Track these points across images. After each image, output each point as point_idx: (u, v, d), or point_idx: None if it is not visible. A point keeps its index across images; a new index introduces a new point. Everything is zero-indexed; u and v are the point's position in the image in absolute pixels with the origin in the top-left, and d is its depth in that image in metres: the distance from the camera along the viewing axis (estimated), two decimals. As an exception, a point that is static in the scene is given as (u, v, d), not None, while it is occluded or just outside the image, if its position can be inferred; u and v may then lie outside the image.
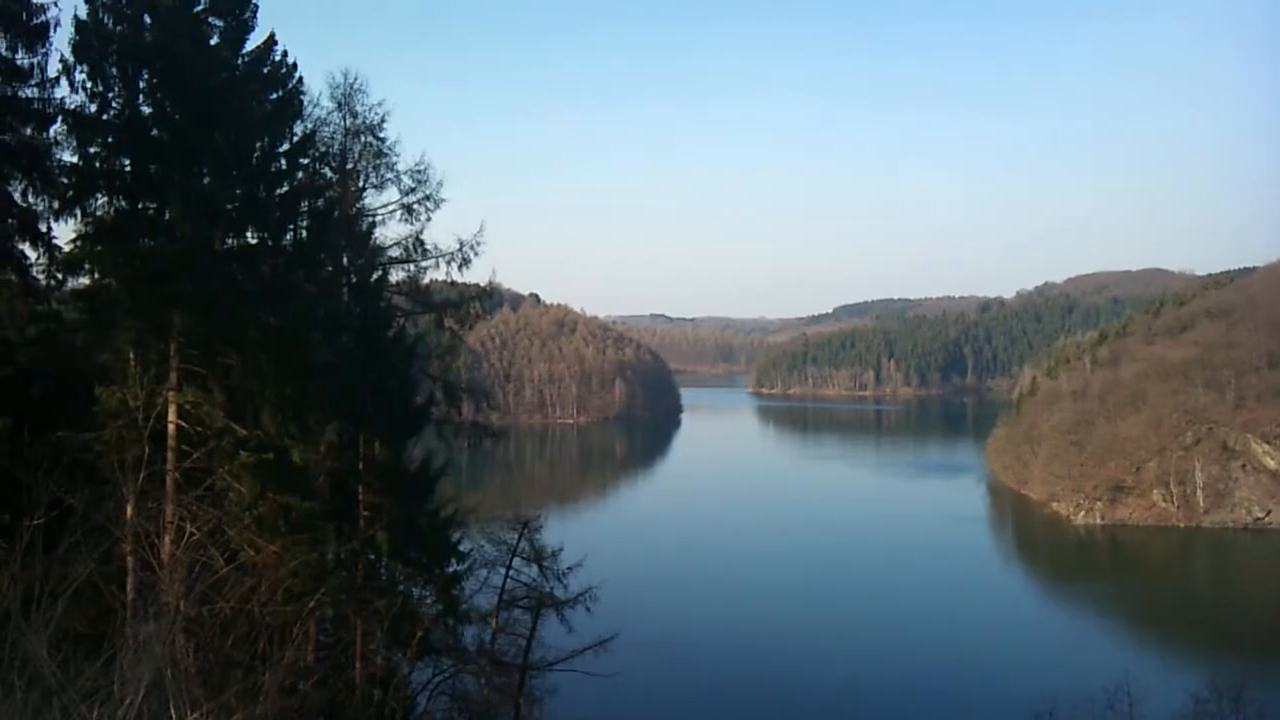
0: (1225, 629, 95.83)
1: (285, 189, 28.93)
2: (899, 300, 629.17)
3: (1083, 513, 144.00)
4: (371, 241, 32.95)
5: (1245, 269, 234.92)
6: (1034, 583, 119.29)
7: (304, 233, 30.16)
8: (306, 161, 30.13)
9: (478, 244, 33.52)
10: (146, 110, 25.70)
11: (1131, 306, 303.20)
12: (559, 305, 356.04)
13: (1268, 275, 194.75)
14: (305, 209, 30.08)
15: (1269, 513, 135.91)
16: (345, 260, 32.01)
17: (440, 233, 34.24)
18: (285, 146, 28.75)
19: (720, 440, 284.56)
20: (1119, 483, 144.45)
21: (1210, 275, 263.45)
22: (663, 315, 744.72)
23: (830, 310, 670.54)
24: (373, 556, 31.16)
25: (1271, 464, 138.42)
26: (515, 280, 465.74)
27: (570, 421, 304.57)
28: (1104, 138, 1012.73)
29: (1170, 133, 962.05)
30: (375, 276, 32.87)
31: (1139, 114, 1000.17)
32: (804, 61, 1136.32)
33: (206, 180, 25.92)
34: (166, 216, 25.72)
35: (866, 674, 78.01)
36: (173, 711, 12.24)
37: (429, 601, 32.92)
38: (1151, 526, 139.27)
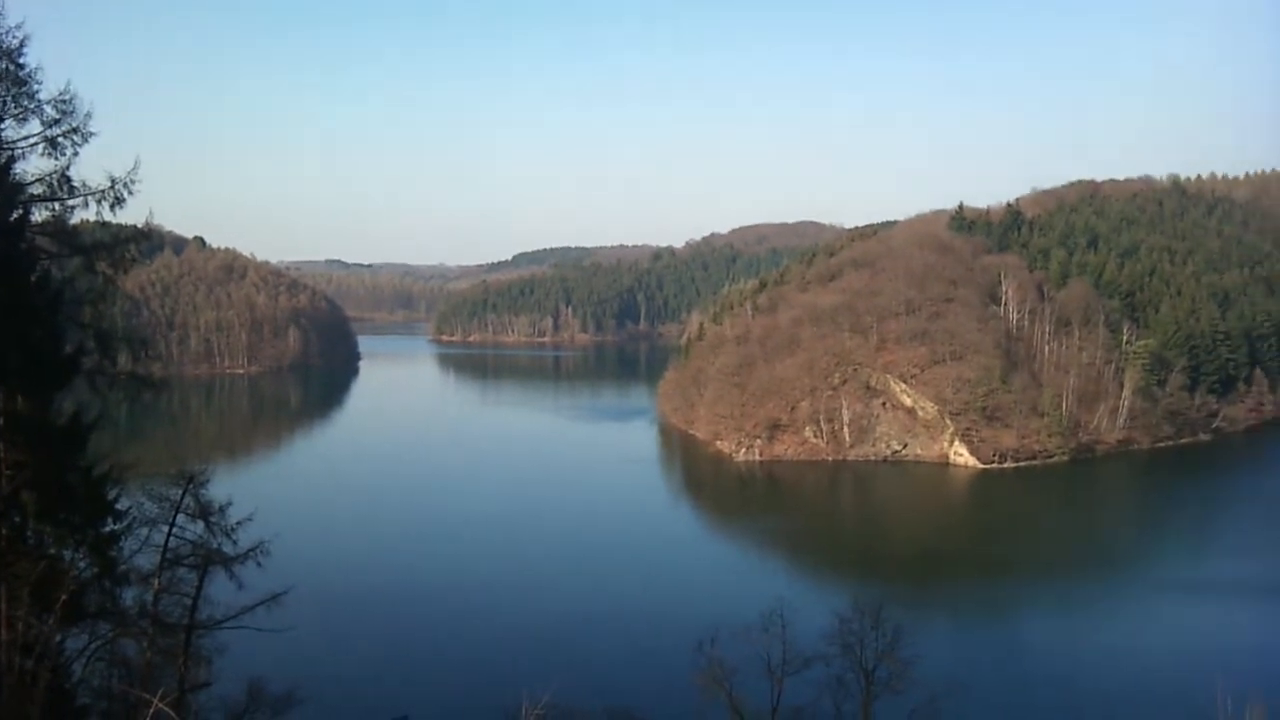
0: (868, 554, 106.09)
1: (-98, 116, 25.92)
2: (576, 248, 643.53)
3: (744, 450, 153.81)
4: (10, 177, 30.06)
5: (888, 222, 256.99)
6: (699, 518, 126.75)
7: (-74, 166, 27.15)
8: (-72, 87, 27.04)
9: (132, 182, 31.14)
10: None
11: (788, 256, 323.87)
12: (227, 249, 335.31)
13: (906, 228, 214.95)
14: (-73, 139, 27.04)
15: (905, 446, 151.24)
16: (-23, 198, 29.09)
17: (91, 169, 31.56)
18: (-98, 69, 25.70)
19: (400, 388, 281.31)
20: (776, 421, 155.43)
21: (857, 228, 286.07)
22: (339, 261, 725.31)
23: (510, 258, 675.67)
24: (18, 518, 28.83)
25: (908, 401, 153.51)
26: (178, 223, 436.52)
27: (241, 371, 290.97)
28: (757, 94, 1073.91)
29: (818, 95, 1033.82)
30: (15, 216, 30.07)
31: (795, 78, 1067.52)
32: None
33: None
34: None
35: (544, 617, 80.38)
36: None
37: (82, 564, 30.91)
38: (804, 461, 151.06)
